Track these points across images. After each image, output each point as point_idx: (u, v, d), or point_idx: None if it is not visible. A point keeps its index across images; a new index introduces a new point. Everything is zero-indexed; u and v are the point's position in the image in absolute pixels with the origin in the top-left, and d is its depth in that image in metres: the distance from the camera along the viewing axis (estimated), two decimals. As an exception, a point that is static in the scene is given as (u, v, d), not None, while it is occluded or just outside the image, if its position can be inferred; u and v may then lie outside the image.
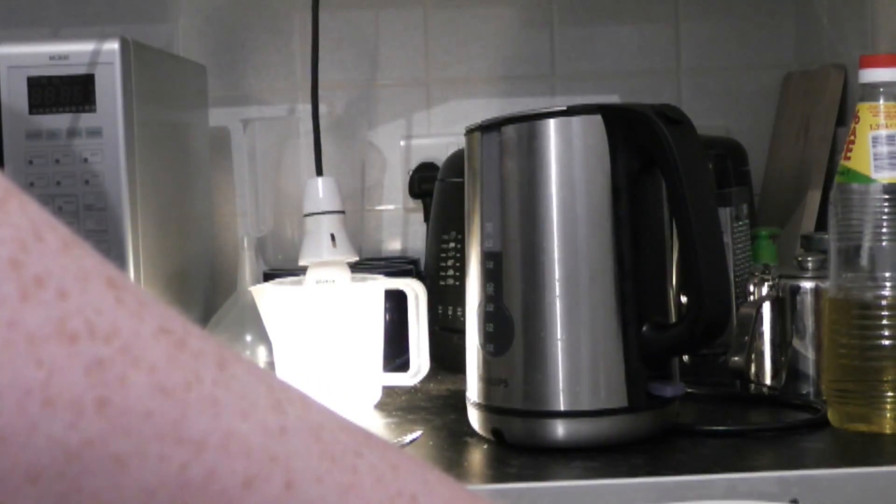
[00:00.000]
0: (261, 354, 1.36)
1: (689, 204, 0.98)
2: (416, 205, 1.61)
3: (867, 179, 1.02)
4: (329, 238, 1.20)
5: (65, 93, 1.14)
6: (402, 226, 1.66)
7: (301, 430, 0.42)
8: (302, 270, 1.33)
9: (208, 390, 0.40)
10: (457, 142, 1.28)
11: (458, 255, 1.32)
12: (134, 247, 1.16)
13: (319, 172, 1.22)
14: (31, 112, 1.14)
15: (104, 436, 0.37)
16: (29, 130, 1.14)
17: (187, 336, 0.40)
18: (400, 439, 1.01)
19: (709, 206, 0.99)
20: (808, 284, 1.13)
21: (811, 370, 1.12)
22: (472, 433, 1.06)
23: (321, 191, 1.21)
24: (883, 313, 1.01)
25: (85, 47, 1.15)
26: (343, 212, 1.22)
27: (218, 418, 0.40)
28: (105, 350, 0.37)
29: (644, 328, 1.00)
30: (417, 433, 1.02)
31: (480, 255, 1.04)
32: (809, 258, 1.13)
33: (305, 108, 1.63)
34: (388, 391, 1.21)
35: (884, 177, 1.02)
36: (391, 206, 1.66)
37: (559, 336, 1.00)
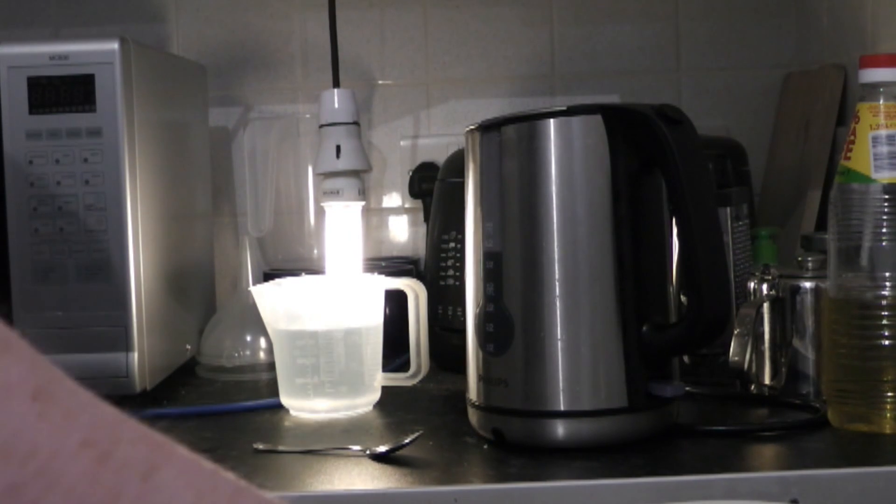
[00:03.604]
0: (261, 354, 1.36)
1: (689, 204, 0.98)
2: (416, 205, 1.61)
3: (867, 179, 1.02)
4: (335, 149, 1.22)
5: (65, 93, 1.14)
6: (402, 226, 1.66)
7: None
8: (301, 271, 1.33)
9: None
10: (457, 142, 1.28)
11: (458, 255, 1.32)
12: (134, 247, 1.16)
13: (336, 84, 1.23)
14: (31, 112, 1.14)
15: None
16: (29, 130, 1.14)
17: (114, 446, 0.39)
18: (400, 439, 1.01)
19: (709, 206, 0.99)
20: (808, 284, 1.13)
21: (811, 370, 1.12)
22: (472, 433, 1.06)
23: (335, 101, 1.22)
24: (883, 313, 1.01)
25: (85, 47, 1.15)
26: (355, 123, 1.24)
27: None
28: (20, 474, 0.37)
29: (644, 328, 1.00)
30: (417, 433, 1.02)
31: (480, 255, 1.04)
32: (809, 258, 1.13)
33: (305, 108, 1.64)
34: (388, 391, 1.21)
35: (884, 177, 1.01)
36: (391, 206, 1.66)
37: (559, 336, 1.00)
